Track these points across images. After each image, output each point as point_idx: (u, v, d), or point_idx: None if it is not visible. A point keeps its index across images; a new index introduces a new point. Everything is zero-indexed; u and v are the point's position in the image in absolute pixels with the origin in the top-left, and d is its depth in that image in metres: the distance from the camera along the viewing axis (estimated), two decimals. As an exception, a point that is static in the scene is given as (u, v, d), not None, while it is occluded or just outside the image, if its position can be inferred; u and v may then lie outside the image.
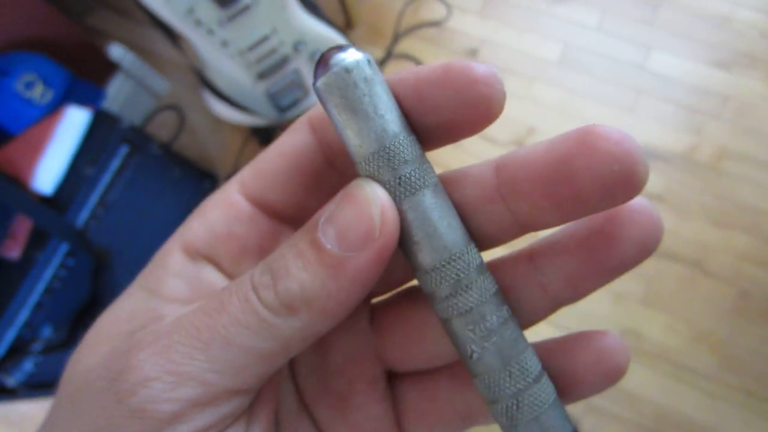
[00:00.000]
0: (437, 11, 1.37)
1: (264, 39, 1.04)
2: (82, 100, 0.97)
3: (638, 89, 1.25)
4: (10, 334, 0.86)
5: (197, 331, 0.12)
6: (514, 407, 0.14)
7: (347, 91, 0.13)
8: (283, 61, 1.11)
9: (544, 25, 1.33)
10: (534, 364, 0.15)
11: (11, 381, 0.89)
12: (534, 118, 1.26)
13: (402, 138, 0.14)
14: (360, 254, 0.12)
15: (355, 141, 0.14)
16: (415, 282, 0.18)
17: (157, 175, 1.06)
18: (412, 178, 0.14)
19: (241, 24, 0.99)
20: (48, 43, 1.10)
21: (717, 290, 1.09)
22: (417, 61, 1.33)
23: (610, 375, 0.14)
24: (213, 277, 0.15)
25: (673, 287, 1.10)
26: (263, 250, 0.15)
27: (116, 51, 1.26)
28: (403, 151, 0.14)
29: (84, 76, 1.04)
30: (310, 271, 0.12)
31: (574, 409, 1.05)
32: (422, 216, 0.14)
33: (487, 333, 0.14)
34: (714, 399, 1.03)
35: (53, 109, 0.95)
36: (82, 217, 0.91)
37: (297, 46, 1.09)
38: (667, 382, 1.05)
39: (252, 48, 1.04)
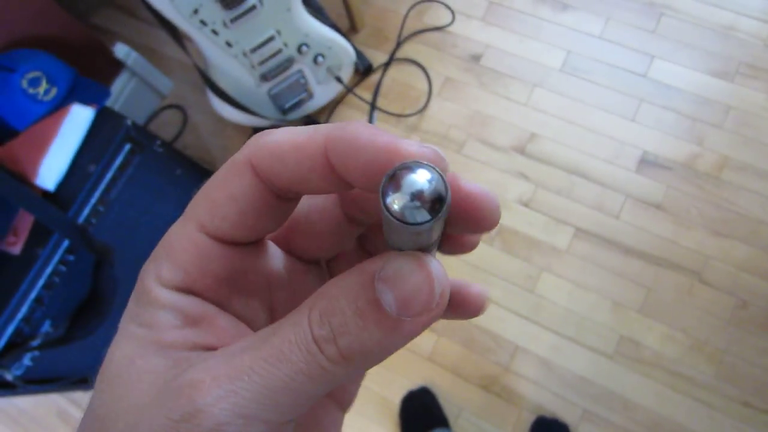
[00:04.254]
0: (442, 16, 1.38)
1: (268, 40, 1.04)
2: (86, 98, 0.97)
3: (640, 97, 1.25)
4: (10, 329, 0.86)
5: (261, 379, 0.14)
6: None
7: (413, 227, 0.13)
8: (287, 63, 1.11)
9: (547, 32, 1.33)
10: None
11: (9, 376, 0.89)
12: (535, 124, 1.26)
13: (434, 243, 0.15)
14: (416, 319, 0.14)
15: (396, 243, 0.15)
16: None
17: (159, 173, 1.06)
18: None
19: (246, 25, 0.99)
20: (53, 41, 1.10)
21: (716, 300, 1.09)
22: (420, 66, 1.34)
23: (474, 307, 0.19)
24: (197, 305, 0.17)
25: (672, 296, 1.11)
26: (234, 276, 0.18)
27: (121, 50, 1.26)
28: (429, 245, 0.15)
29: (88, 74, 1.05)
30: (369, 330, 0.14)
31: (570, 415, 1.05)
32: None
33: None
34: (710, 409, 1.03)
35: (57, 106, 0.96)
36: (84, 213, 0.91)
37: (301, 48, 1.10)
38: (663, 390, 1.05)
39: (256, 49, 1.04)
